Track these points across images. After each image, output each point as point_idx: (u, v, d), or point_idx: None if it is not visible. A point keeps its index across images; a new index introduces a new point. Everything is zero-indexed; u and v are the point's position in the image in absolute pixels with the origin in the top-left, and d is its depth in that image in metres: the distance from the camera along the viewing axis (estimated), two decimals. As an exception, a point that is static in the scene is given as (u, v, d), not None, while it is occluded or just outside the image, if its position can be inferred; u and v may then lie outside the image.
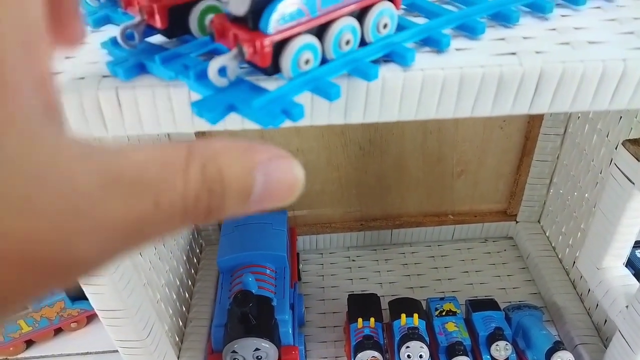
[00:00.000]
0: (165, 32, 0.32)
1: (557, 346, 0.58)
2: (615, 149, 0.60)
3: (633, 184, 0.49)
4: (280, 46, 0.27)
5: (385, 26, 0.31)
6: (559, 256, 0.75)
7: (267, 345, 0.58)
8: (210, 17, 0.33)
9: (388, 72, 0.32)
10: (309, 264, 0.80)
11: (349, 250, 0.82)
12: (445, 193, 0.80)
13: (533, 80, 0.32)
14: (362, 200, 0.79)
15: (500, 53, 0.33)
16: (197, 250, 0.77)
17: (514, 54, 0.33)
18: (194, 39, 0.33)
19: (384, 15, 0.31)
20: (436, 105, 0.33)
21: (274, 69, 0.29)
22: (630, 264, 0.67)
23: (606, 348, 0.63)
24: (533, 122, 0.72)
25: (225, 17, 0.28)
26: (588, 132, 0.66)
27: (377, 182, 0.77)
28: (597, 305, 0.66)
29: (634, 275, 0.62)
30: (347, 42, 0.30)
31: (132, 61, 0.32)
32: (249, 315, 0.58)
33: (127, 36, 0.33)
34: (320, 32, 0.29)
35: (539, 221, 0.81)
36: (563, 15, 0.37)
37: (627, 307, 0.52)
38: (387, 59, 0.32)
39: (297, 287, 0.70)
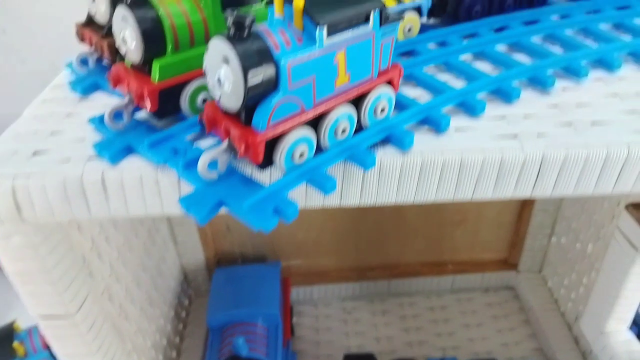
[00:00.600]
0: (155, 114, 0.31)
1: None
2: (618, 205, 0.59)
3: (637, 250, 0.48)
4: (273, 141, 0.26)
5: (382, 110, 0.30)
6: (561, 309, 0.73)
7: (260, 412, 0.55)
8: (202, 96, 0.32)
9: (385, 155, 0.30)
10: (304, 316, 0.77)
11: (345, 302, 0.79)
12: (445, 242, 0.78)
13: (535, 165, 0.31)
14: (358, 249, 0.77)
15: (501, 135, 0.32)
16: (186, 302, 0.75)
17: (515, 136, 0.32)
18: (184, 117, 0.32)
19: (382, 100, 0.30)
20: (435, 189, 0.32)
21: (267, 162, 0.27)
22: (635, 322, 0.65)
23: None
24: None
25: (217, 106, 0.26)
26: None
27: (374, 231, 0.76)
28: (602, 364, 0.64)
29: (638, 333, 0.61)
30: (343, 131, 0.29)
31: (120, 144, 0.31)
32: (240, 380, 0.56)
33: (115, 116, 0.32)
34: (315, 121, 0.28)
35: (540, 271, 0.80)
36: (564, 88, 0.36)
37: (633, 375, 0.50)
38: (385, 141, 0.31)
39: (290, 344, 0.68)
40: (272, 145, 0.27)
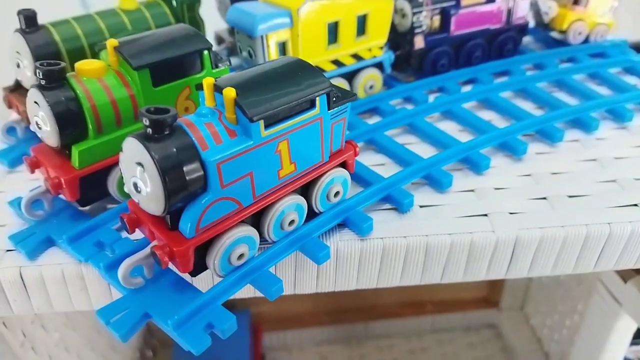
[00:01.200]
0: (78, 202, 0.28)
1: None
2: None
3: (620, 304, 0.45)
4: (207, 244, 0.23)
5: (336, 194, 0.27)
6: (545, 349, 0.71)
7: None
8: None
9: (343, 242, 0.27)
10: (277, 363, 0.74)
11: (321, 346, 0.76)
12: (422, 281, 0.75)
13: (508, 247, 0.28)
14: (333, 294, 0.73)
15: (470, 215, 0.28)
16: (150, 354, 0.70)
17: (485, 215, 0.28)
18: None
19: (335, 184, 0.26)
20: (399, 274, 0.29)
21: (200, 269, 0.24)
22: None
23: None
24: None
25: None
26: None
27: (349, 273, 0.72)
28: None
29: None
30: (292, 222, 0.25)
31: (40, 235, 0.27)
32: None
33: (35, 204, 0.28)
34: (258, 215, 0.24)
35: (522, 309, 0.77)
36: (538, 153, 0.33)
37: None
38: (342, 224, 0.28)
39: (263, 399, 0.64)
40: (205, 248, 0.23)
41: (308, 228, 0.26)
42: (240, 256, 0.24)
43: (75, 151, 0.26)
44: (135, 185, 0.21)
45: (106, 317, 0.23)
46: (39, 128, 0.26)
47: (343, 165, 0.27)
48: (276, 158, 0.23)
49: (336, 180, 0.26)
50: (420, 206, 0.29)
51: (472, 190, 0.30)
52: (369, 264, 0.28)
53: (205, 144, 0.21)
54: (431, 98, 0.38)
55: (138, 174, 0.20)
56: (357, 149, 0.27)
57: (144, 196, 0.21)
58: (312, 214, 0.27)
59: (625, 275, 0.45)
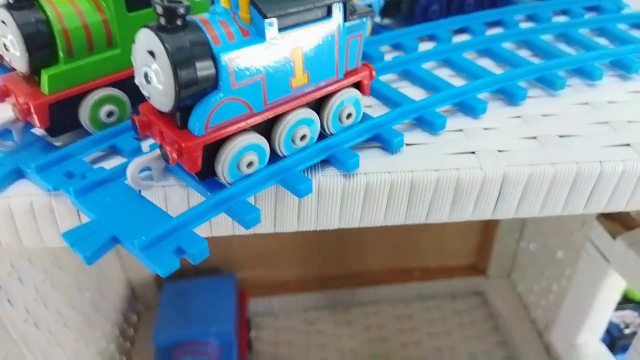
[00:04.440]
0: (48, 131, 0.26)
1: None
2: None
3: (609, 262, 0.45)
4: (216, 147, 0.22)
5: (349, 116, 0.26)
6: (532, 316, 0.71)
7: None
8: (106, 109, 0.27)
9: (325, 177, 0.26)
10: (263, 329, 0.73)
11: (307, 312, 0.75)
12: (410, 248, 0.75)
13: (496, 185, 0.27)
14: (320, 257, 0.73)
15: (458, 152, 0.28)
16: (134, 319, 0.70)
17: (473, 153, 0.28)
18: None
19: (347, 104, 0.26)
20: (383, 213, 0.28)
21: (208, 173, 0.24)
22: (607, 332, 0.62)
23: None
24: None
25: (152, 106, 0.22)
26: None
27: (335, 238, 0.72)
28: (572, 375, 0.61)
29: (610, 343, 0.58)
30: (303, 137, 0.25)
31: (8, 166, 0.26)
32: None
33: (4, 134, 0.26)
34: (269, 127, 0.24)
35: (509, 276, 0.77)
36: (532, 98, 0.32)
37: (605, 394, 0.47)
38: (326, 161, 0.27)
39: (248, 361, 0.64)
40: (215, 153, 0.23)
41: (290, 161, 0.25)
42: (250, 164, 0.23)
43: (44, 76, 0.24)
44: (146, 76, 0.20)
45: (72, 239, 0.22)
46: (7, 50, 0.24)
47: (357, 87, 0.26)
48: (289, 65, 0.23)
49: (348, 100, 0.26)
50: (407, 144, 0.28)
51: (460, 130, 0.29)
52: (351, 201, 0.27)
53: (219, 40, 0.21)
54: (422, 46, 0.37)
55: (149, 64, 0.20)
56: (374, 72, 0.26)
57: (154, 87, 0.20)
58: (322, 138, 0.26)
59: (614, 231, 0.44)
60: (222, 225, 0.27)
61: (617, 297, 0.48)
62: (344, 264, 0.75)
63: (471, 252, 0.76)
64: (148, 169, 0.24)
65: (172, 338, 0.60)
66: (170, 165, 0.23)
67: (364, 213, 0.28)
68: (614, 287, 0.46)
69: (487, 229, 0.73)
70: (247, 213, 0.23)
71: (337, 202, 0.27)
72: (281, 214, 0.28)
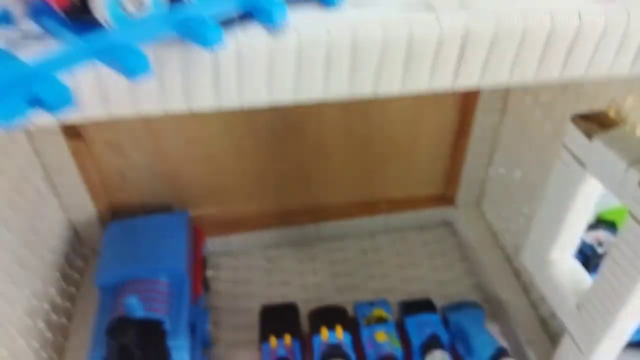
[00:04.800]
0: None
1: (500, 353, 0.50)
2: (561, 124, 0.52)
3: (584, 166, 0.41)
4: None
5: None
6: (501, 243, 0.68)
7: (158, 382, 0.47)
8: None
9: (246, 36, 0.21)
10: (221, 269, 0.69)
11: (268, 250, 0.71)
12: (375, 179, 0.70)
13: (455, 42, 0.22)
14: (279, 192, 0.68)
15: (410, 4, 0.23)
16: (79, 262, 0.64)
17: (428, 5, 0.22)
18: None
19: None
20: (320, 81, 0.23)
21: (81, 11, 0.18)
22: (580, 251, 0.60)
23: (553, 345, 0.56)
24: (469, 97, 0.63)
25: None
26: (530, 105, 0.57)
27: (296, 171, 0.67)
28: (543, 297, 0.58)
29: (584, 262, 0.55)
30: None
31: None
32: (130, 347, 0.47)
33: None
34: None
35: (478, 205, 0.74)
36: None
37: (577, 306, 0.44)
38: (247, 16, 0.22)
39: (203, 301, 0.59)
40: None
41: (198, 5, 0.20)
42: (139, 3, 0.18)
43: None
44: None
45: None
46: None
47: None
48: None
49: None
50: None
51: (413, -23, 0.24)
52: (280, 66, 0.22)
53: None
54: None
55: None
56: None
57: None
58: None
59: (590, 131, 0.40)
60: (116, 99, 0.21)
61: (591, 208, 0.44)
62: (305, 198, 0.70)
63: (439, 181, 0.72)
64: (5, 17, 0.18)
65: (116, 277, 0.55)
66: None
67: (298, 82, 0.23)
68: (589, 195, 0.43)
69: (456, 155, 0.69)
70: (129, 57, 0.18)
71: (263, 67, 0.22)
72: (194, 84, 0.22)
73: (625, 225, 0.38)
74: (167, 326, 0.51)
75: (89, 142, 0.58)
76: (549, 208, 0.46)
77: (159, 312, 0.52)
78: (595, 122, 0.42)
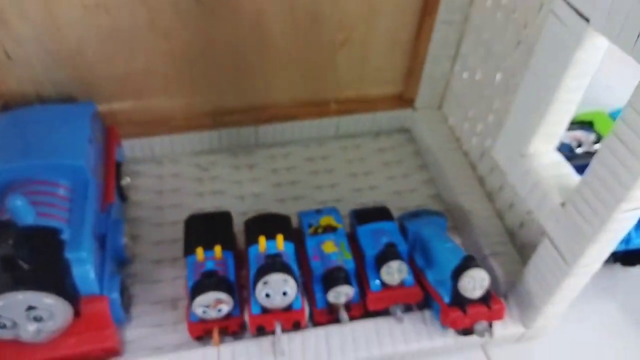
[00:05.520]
0: None
1: (466, 263, 0.42)
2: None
3: (587, 21, 0.32)
4: None
5: None
6: (465, 148, 0.60)
7: (49, 301, 0.37)
8: None
9: None
10: (143, 176, 0.58)
11: (200, 156, 0.61)
12: (326, 73, 0.60)
13: None
14: (211, 84, 0.57)
15: None
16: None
17: None
18: None
19: None
20: None
21: None
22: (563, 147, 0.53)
23: (521, 258, 0.50)
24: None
25: None
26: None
27: (230, 59, 0.56)
28: (511, 205, 0.52)
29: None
30: None
31: None
32: (14, 259, 0.37)
33: None
34: None
35: (440, 107, 0.65)
36: None
37: (562, 204, 0.37)
38: None
39: (115, 210, 0.49)
40: None
41: None
42: None
43: None
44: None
45: None
46: None
47: None
48: None
49: None
50: None
51: None
52: None
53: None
54: None
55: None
56: None
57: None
58: None
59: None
60: None
61: (587, 80, 0.36)
62: (243, 96, 0.60)
63: (397, 78, 0.63)
64: None
65: (3, 175, 0.43)
66: None
67: None
68: (588, 61, 0.34)
69: (418, 44, 0.59)
70: None
71: None
72: None
73: (634, 97, 0.30)
74: (65, 236, 0.41)
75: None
76: (533, 86, 0.38)
77: (56, 219, 0.42)
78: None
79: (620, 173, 0.30)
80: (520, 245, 0.51)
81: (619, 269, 0.54)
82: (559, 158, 0.41)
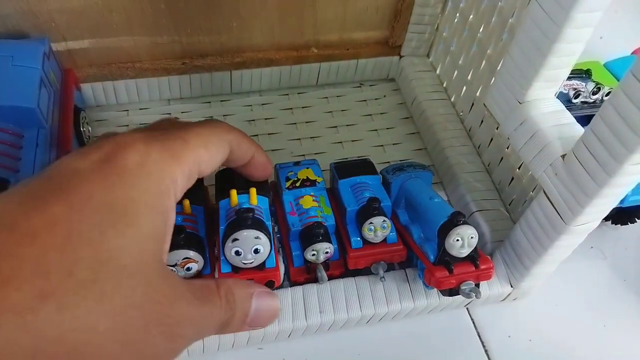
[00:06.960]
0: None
1: (454, 219, 0.39)
2: None
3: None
4: None
5: None
6: (452, 99, 0.57)
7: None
8: None
9: None
10: (104, 125, 0.53)
11: (168, 105, 0.56)
12: (306, 13, 0.55)
13: None
14: (178, 21, 0.52)
15: None
16: None
17: None
18: None
19: None
20: None
21: None
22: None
23: (510, 215, 0.47)
24: None
25: None
26: None
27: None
28: (502, 159, 0.49)
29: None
30: None
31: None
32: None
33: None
34: None
35: (428, 55, 0.61)
36: None
37: (563, 156, 0.34)
38: None
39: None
40: None
41: None
42: None
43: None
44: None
45: None
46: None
47: None
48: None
49: None
50: None
51: None
52: None
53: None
54: None
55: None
56: None
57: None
58: None
59: None
60: None
61: (598, 18, 0.32)
62: (215, 38, 0.54)
63: (383, 22, 0.59)
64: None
65: None
66: None
67: None
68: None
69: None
70: None
71: None
72: None
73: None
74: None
75: None
76: (537, 21, 0.34)
77: (3, 169, 0.38)
78: None
79: (636, 119, 0.27)
80: (510, 201, 0.48)
81: (609, 227, 0.52)
82: (560, 106, 0.37)
